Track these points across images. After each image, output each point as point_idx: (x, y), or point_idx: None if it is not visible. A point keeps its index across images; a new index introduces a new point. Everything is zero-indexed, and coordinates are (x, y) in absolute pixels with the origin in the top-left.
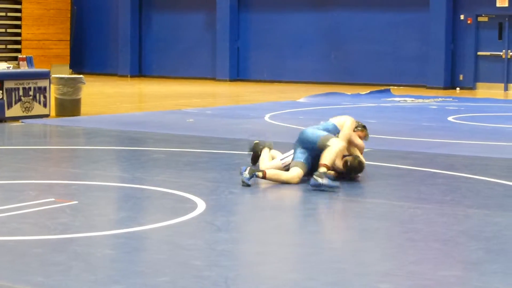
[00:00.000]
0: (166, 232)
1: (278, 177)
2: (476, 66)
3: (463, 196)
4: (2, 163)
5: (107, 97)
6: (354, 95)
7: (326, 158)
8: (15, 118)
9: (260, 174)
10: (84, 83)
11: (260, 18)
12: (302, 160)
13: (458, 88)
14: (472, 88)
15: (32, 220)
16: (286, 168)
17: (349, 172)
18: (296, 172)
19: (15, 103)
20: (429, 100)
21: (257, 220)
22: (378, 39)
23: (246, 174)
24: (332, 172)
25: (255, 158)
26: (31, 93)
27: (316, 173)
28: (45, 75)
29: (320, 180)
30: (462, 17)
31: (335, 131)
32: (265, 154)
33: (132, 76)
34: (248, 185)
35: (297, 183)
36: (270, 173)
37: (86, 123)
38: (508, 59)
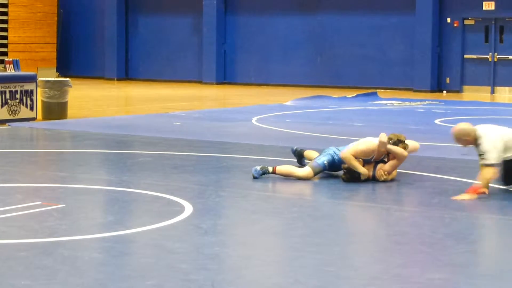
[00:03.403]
0: (153, 235)
1: (290, 173)
2: (463, 69)
3: (450, 198)
4: None
5: (93, 100)
6: (341, 98)
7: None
8: (2, 122)
9: (270, 169)
10: (70, 86)
11: (247, 21)
12: (320, 164)
13: (444, 91)
14: (459, 91)
15: (19, 223)
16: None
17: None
18: (307, 170)
19: (2, 106)
20: (416, 103)
21: (244, 223)
22: (364, 43)
23: (258, 168)
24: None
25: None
26: (17, 96)
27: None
28: (32, 78)
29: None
30: (448, 20)
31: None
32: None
33: (119, 79)
34: (255, 178)
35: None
36: (280, 169)
37: (73, 126)
38: (495, 62)
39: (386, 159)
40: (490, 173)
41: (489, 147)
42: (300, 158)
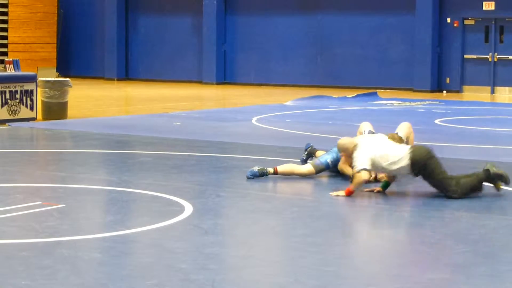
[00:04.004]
0: (153, 235)
1: (292, 171)
2: (463, 69)
3: (450, 198)
4: None
5: (93, 100)
6: (341, 98)
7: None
8: (2, 122)
9: (271, 170)
10: (70, 86)
11: (247, 21)
12: (322, 162)
13: (444, 91)
14: (459, 91)
15: (19, 223)
16: None
17: None
18: (308, 168)
19: (2, 106)
20: (416, 103)
21: (244, 223)
22: (364, 43)
23: (255, 169)
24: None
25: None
26: (17, 96)
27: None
28: (32, 78)
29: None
30: (448, 20)
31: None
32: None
33: (119, 79)
34: (249, 178)
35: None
36: (281, 169)
37: (73, 126)
38: (495, 62)
39: None
40: (357, 178)
41: (357, 155)
42: (309, 156)
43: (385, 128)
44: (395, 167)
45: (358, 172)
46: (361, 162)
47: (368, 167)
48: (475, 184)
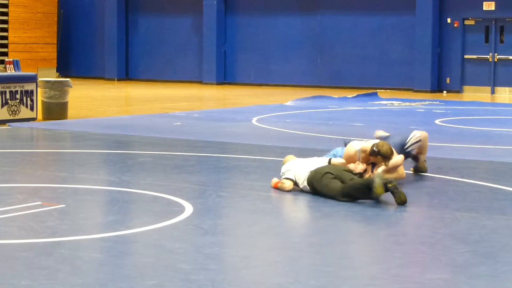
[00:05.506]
0: (154, 235)
1: None
2: (463, 69)
3: (450, 199)
4: None
5: (94, 101)
6: (341, 98)
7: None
8: (2, 122)
9: None
10: (71, 87)
11: (247, 21)
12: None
13: (445, 91)
14: (459, 91)
15: (19, 223)
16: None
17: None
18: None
19: (2, 106)
20: (416, 103)
21: (245, 223)
22: (365, 43)
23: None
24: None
25: None
26: (18, 96)
27: None
28: (32, 79)
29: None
30: (448, 20)
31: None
32: None
33: (119, 79)
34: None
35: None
36: None
37: (73, 127)
38: (495, 62)
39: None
40: (281, 184)
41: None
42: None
43: (385, 128)
44: (302, 184)
45: (285, 178)
46: (289, 172)
47: (293, 177)
48: (354, 186)
